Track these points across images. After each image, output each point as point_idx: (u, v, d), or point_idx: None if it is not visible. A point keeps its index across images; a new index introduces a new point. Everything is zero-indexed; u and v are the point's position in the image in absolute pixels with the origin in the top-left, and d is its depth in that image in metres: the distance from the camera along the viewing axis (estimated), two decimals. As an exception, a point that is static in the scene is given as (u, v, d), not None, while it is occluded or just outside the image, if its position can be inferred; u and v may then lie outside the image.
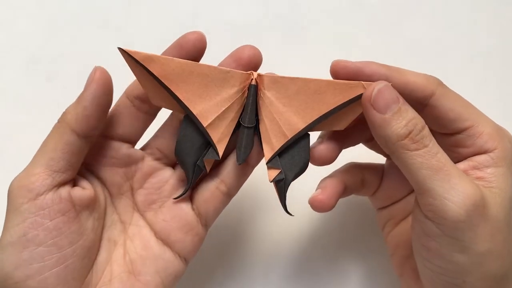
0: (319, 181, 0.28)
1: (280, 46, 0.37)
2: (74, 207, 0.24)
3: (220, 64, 0.26)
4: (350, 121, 0.25)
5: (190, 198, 0.28)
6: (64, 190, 0.24)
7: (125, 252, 0.27)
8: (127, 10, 0.38)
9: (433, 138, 0.23)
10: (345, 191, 0.28)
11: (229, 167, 0.28)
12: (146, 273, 0.26)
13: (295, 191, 0.34)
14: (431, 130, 0.24)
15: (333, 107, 0.24)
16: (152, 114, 0.27)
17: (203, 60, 0.26)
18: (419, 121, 0.23)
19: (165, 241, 0.27)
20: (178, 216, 0.27)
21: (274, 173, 0.25)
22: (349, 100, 0.24)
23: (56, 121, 0.25)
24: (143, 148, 0.28)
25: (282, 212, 0.26)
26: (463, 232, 0.22)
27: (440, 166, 0.22)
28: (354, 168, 0.29)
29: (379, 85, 0.23)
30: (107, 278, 0.26)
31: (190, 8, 0.38)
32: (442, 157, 0.23)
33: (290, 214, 0.25)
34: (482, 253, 0.23)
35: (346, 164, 0.29)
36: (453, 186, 0.22)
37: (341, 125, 0.25)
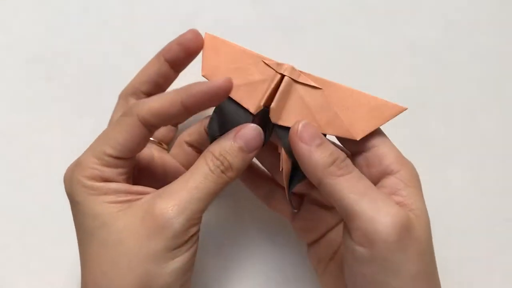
0: None
1: (280, 46, 0.37)
2: None
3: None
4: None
5: None
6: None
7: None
8: (127, 10, 0.38)
9: (356, 168, 0.25)
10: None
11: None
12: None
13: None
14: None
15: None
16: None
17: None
18: (340, 152, 0.25)
19: None
20: None
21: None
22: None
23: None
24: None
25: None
26: (393, 253, 0.22)
27: (365, 190, 0.24)
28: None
29: (303, 121, 0.25)
30: None
31: (190, 8, 0.38)
32: (366, 182, 0.24)
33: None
34: (413, 275, 0.23)
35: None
36: (380, 208, 0.23)
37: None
